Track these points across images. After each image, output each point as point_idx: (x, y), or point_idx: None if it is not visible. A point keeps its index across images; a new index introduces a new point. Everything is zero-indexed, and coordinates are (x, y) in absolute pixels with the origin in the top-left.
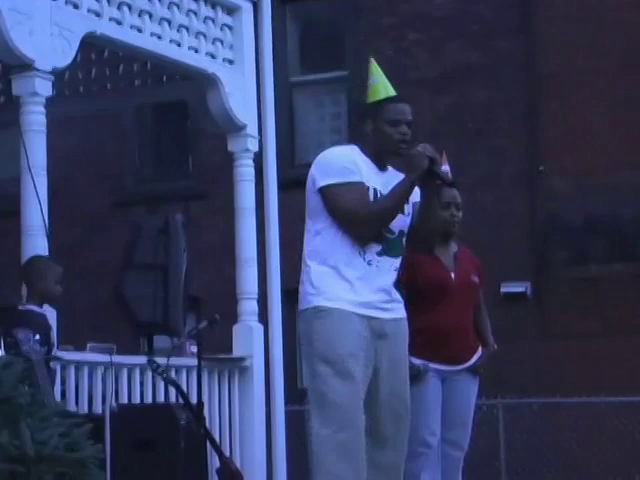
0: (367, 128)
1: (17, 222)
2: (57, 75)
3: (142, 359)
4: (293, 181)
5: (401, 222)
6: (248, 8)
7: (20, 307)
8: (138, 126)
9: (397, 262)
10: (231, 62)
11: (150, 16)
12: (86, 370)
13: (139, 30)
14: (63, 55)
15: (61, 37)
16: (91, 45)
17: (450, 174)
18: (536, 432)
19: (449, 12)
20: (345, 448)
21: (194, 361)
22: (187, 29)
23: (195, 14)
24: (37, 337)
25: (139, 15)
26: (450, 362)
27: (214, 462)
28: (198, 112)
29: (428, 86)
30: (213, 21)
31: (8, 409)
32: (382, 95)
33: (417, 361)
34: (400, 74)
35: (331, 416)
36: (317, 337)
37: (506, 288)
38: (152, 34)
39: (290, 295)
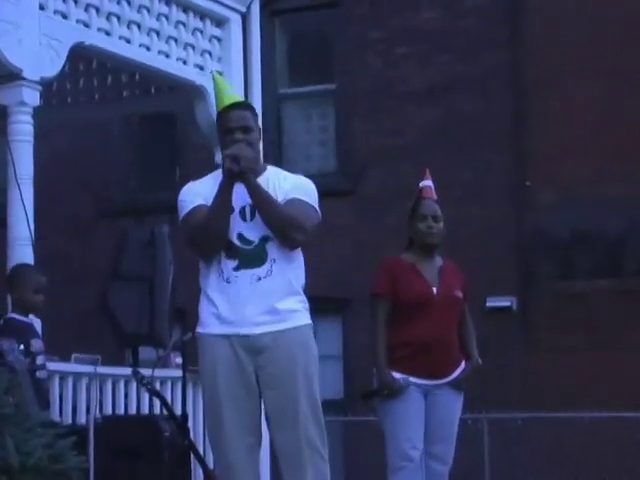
0: (219, 144)
1: (3, 231)
2: (45, 85)
3: (127, 370)
4: None
5: (258, 229)
6: (237, 20)
7: (5, 316)
8: (125, 136)
9: (261, 271)
10: (219, 74)
11: (139, 27)
12: (70, 381)
13: (128, 41)
14: (51, 65)
15: (49, 47)
16: (79, 55)
17: (433, 191)
18: (521, 446)
19: (437, 26)
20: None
21: (179, 373)
22: (176, 40)
23: (184, 25)
24: (21, 347)
25: (128, 26)
26: (431, 376)
27: (198, 474)
28: (186, 123)
29: (415, 99)
30: (202, 33)
31: None
32: (220, 107)
33: (397, 375)
34: (388, 87)
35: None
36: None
37: (492, 302)
38: (141, 45)
39: None
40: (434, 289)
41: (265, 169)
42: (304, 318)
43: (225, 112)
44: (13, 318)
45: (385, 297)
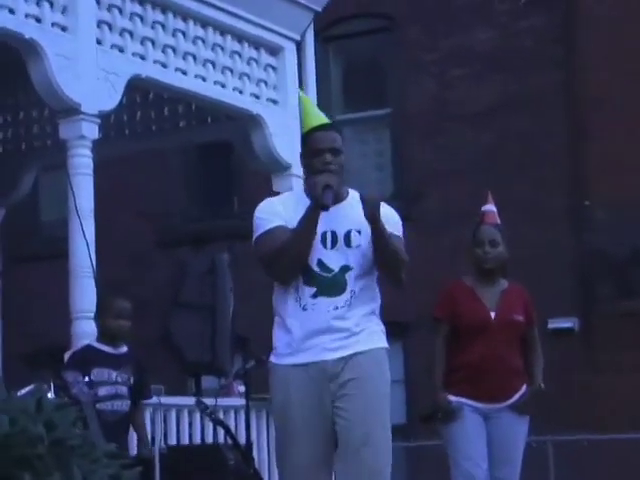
0: (302, 162)
1: (63, 263)
2: (103, 118)
3: (190, 400)
4: None
5: (345, 256)
6: (291, 48)
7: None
8: (183, 166)
9: (339, 300)
10: (275, 102)
11: (194, 58)
12: (145, 410)
13: (183, 72)
14: (109, 98)
15: (107, 81)
16: (136, 87)
17: (495, 215)
18: (587, 469)
19: (491, 46)
20: None
21: (242, 401)
22: (231, 70)
23: (239, 55)
24: (86, 379)
25: (183, 58)
26: (490, 400)
27: None
28: (243, 152)
29: (470, 120)
30: (257, 62)
31: (60, 451)
32: (308, 126)
33: (453, 398)
34: (443, 109)
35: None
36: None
37: (553, 324)
38: (196, 76)
39: None
40: (492, 313)
41: (347, 193)
42: (380, 341)
43: (313, 132)
44: (90, 346)
45: (444, 321)
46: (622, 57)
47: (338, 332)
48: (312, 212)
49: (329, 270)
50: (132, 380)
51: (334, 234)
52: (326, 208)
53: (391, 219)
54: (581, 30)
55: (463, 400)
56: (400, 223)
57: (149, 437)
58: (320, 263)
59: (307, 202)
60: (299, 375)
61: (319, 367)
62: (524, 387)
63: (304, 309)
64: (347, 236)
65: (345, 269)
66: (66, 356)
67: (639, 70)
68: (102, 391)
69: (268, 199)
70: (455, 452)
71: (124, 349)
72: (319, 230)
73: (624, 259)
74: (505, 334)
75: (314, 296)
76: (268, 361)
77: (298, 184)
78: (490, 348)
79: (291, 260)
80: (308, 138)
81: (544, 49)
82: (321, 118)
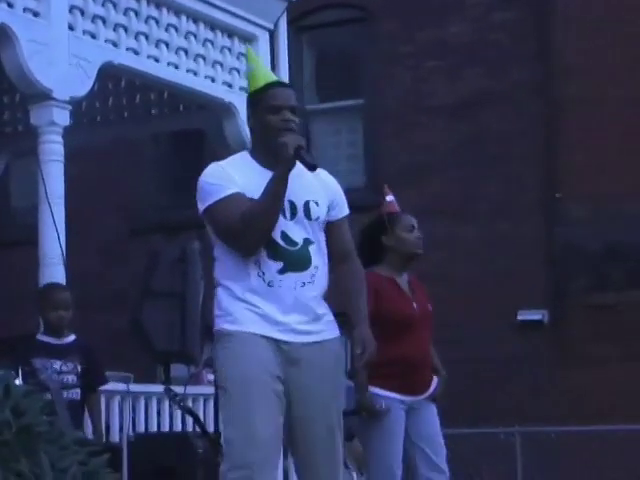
0: (250, 122)
1: (35, 251)
2: (74, 104)
3: (159, 388)
4: None
5: (308, 229)
6: (264, 37)
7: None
8: (155, 154)
9: (306, 275)
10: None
11: (167, 46)
12: (103, 399)
13: (156, 60)
14: (81, 85)
15: (79, 67)
16: (108, 74)
17: (395, 204)
18: (554, 461)
19: (466, 40)
20: None
21: (211, 389)
22: (204, 58)
23: (212, 44)
24: (55, 366)
25: (156, 45)
26: (415, 392)
27: None
28: (215, 140)
29: (445, 113)
30: (230, 50)
31: (27, 437)
32: (259, 83)
33: (381, 393)
34: (417, 101)
35: (227, 452)
36: (218, 362)
37: (523, 316)
38: (169, 64)
39: None
40: (414, 305)
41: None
42: (337, 329)
43: (270, 88)
44: (32, 336)
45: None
46: (598, 52)
47: (304, 313)
48: (282, 175)
49: (294, 243)
50: (80, 368)
51: (292, 204)
52: (314, 168)
53: (340, 199)
54: (556, 24)
55: (392, 395)
56: (345, 199)
57: (103, 425)
58: (284, 236)
59: (256, 166)
60: (262, 344)
61: (282, 347)
62: (435, 378)
63: (269, 285)
64: (306, 207)
65: (307, 242)
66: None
67: (613, 66)
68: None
69: (215, 164)
70: (380, 450)
71: (70, 338)
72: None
73: (595, 252)
74: (425, 326)
75: (281, 271)
76: (218, 330)
77: None
78: (417, 341)
79: (262, 230)
80: (264, 94)
81: (519, 43)
82: (272, 75)
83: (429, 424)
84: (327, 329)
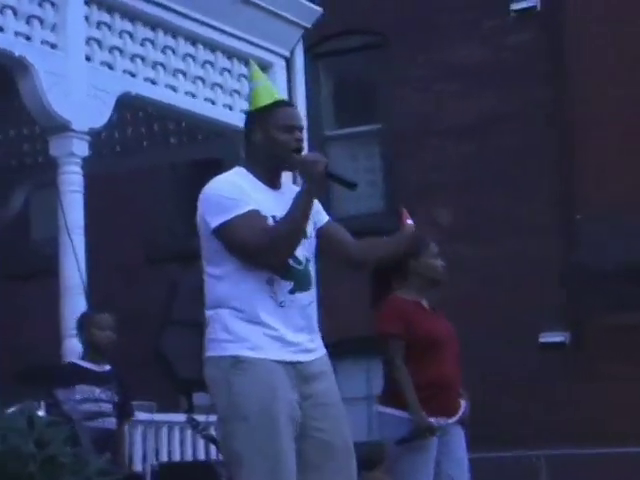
0: (255, 138)
1: (54, 281)
2: (93, 135)
3: (182, 417)
4: None
5: (306, 247)
6: (281, 64)
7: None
8: (173, 183)
9: (310, 295)
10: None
11: (184, 75)
12: (126, 428)
13: (174, 89)
14: (99, 115)
15: (97, 98)
16: (127, 104)
17: (414, 227)
18: None
19: (478, 62)
20: None
21: None
22: (221, 87)
23: (229, 72)
24: (77, 397)
25: (173, 74)
26: (447, 414)
27: None
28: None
29: (459, 135)
30: (247, 78)
31: (52, 469)
32: (267, 100)
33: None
34: (432, 125)
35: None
36: (235, 391)
37: (544, 338)
38: (186, 93)
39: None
40: (441, 326)
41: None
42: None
43: (283, 107)
44: (73, 363)
45: (401, 337)
46: (609, 72)
47: (309, 331)
48: (313, 193)
49: (299, 262)
50: (116, 398)
51: None
52: (355, 185)
53: (316, 206)
54: (567, 46)
55: (431, 419)
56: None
57: (126, 455)
58: (293, 255)
59: (257, 182)
60: (281, 371)
61: (297, 368)
62: (463, 402)
63: (281, 305)
64: None
65: (308, 261)
66: (58, 374)
67: (625, 86)
68: (85, 408)
69: (225, 178)
70: (417, 476)
71: (107, 367)
72: (271, 215)
73: (613, 273)
74: (453, 347)
75: (292, 292)
76: (233, 356)
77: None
78: (447, 362)
79: (292, 248)
80: (275, 112)
81: (531, 65)
82: (279, 94)
83: (457, 448)
84: (321, 345)
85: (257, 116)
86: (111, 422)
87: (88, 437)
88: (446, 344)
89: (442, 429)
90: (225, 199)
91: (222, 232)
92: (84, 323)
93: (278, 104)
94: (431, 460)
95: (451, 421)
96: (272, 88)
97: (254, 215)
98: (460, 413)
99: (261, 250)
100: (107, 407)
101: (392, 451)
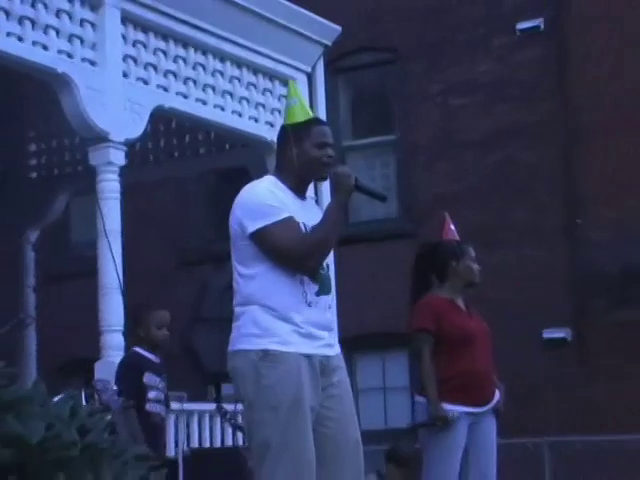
0: (289, 152)
1: (94, 281)
2: (129, 145)
3: (211, 406)
4: (347, 238)
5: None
6: (303, 79)
7: (130, 350)
8: (202, 191)
9: (331, 298)
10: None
11: (213, 89)
12: None
13: (204, 103)
14: (135, 127)
15: (132, 111)
16: (160, 117)
17: (456, 233)
18: (582, 471)
19: (491, 77)
20: None
21: None
22: (247, 100)
23: (255, 87)
24: (114, 387)
25: (203, 89)
26: (479, 403)
27: None
28: (258, 177)
29: (472, 147)
30: (271, 92)
31: (92, 453)
32: (302, 117)
33: (449, 407)
34: (446, 136)
35: (273, 468)
36: (266, 383)
37: (548, 334)
38: (215, 106)
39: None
40: (473, 323)
41: None
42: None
43: (318, 125)
44: (137, 352)
45: (431, 332)
46: (617, 86)
47: (332, 330)
48: (344, 203)
49: (323, 267)
50: (166, 389)
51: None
52: (385, 197)
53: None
54: (576, 61)
55: (459, 408)
56: None
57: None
58: None
59: (289, 192)
60: (307, 365)
61: (321, 361)
62: (497, 391)
63: (309, 305)
64: None
65: (328, 267)
66: (96, 366)
67: (631, 99)
68: (151, 394)
69: (263, 185)
70: (441, 463)
71: (159, 359)
72: (302, 222)
73: (615, 273)
74: (485, 342)
75: (317, 293)
76: (263, 350)
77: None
78: (478, 355)
79: (326, 254)
80: (311, 129)
81: (542, 80)
82: (312, 112)
83: (487, 436)
84: (338, 344)
85: (292, 131)
86: (164, 410)
87: (124, 427)
88: (477, 340)
89: (461, 419)
90: (264, 206)
91: (260, 236)
92: (142, 318)
93: (312, 122)
94: (457, 448)
95: (484, 409)
96: (307, 106)
97: (291, 222)
98: (493, 402)
99: (298, 255)
100: (162, 396)
101: (422, 438)
